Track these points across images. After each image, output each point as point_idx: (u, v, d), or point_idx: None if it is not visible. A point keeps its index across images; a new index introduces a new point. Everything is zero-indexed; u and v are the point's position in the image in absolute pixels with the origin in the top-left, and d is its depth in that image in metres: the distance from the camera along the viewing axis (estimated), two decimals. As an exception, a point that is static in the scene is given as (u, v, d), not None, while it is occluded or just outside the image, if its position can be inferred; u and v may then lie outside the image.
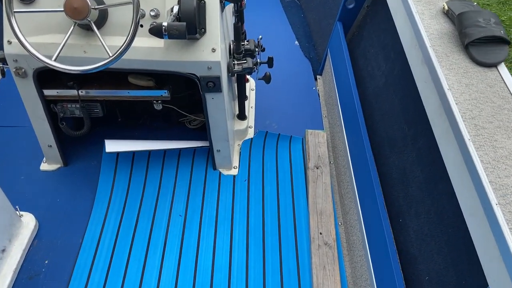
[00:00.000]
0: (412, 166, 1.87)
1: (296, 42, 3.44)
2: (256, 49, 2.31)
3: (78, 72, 1.69)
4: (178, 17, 1.74)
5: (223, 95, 2.05)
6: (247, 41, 2.25)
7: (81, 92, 2.04)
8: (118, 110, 2.46)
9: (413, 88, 1.84)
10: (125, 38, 1.61)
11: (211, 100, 2.07)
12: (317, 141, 2.55)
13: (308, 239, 2.13)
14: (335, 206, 2.29)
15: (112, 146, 2.19)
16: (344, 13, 2.75)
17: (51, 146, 2.29)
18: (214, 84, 1.98)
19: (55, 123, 2.20)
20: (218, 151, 2.33)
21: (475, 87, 1.55)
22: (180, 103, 2.34)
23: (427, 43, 1.67)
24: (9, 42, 1.85)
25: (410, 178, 1.88)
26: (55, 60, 1.66)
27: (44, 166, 2.40)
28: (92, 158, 2.43)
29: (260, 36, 2.41)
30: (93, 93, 2.06)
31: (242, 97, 2.51)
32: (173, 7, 1.76)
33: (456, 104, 1.49)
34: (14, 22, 1.61)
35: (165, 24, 1.61)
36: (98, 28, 1.84)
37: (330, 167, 2.47)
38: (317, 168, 2.40)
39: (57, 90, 2.04)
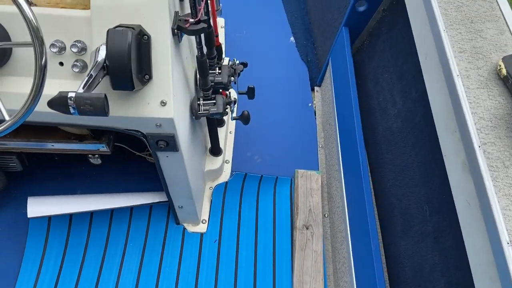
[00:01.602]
0: (434, 268, 1.37)
1: (292, 39, 2.80)
2: (232, 78, 1.73)
3: None
4: (105, 65, 1.16)
5: (182, 154, 1.50)
6: (219, 70, 1.66)
7: (-15, 143, 1.50)
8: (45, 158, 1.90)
9: (442, 162, 1.30)
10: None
11: (165, 158, 1.53)
12: (309, 186, 2.02)
13: None
14: (327, 286, 1.82)
15: (36, 208, 1.66)
16: (352, 17, 2.12)
17: None
18: (167, 144, 1.43)
19: None
20: (181, 207, 1.82)
21: None
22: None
23: (475, 141, 1.09)
24: None
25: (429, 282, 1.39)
26: None
27: (-39, 215, 1.89)
28: (23, 205, 1.92)
29: (237, 61, 1.82)
30: (3, 144, 1.51)
31: (214, 130, 1.95)
32: (99, 48, 1.18)
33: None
34: None
35: (71, 94, 1.03)
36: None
37: (324, 223, 1.96)
38: (307, 229, 1.90)
39: None
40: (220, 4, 2.70)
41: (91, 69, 1.15)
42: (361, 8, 2.06)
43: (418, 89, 1.61)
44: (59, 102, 1.03)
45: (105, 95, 1.04)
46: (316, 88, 2.56)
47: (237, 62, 1.81)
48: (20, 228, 1.83)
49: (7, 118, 1.11)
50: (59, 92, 1.05)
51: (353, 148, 1.87)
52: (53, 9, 1.26)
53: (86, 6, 1.32)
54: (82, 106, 1.02)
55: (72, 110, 1.03)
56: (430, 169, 1.43)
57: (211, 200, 1.99)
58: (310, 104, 2.46)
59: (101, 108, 1.03)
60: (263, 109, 2.41)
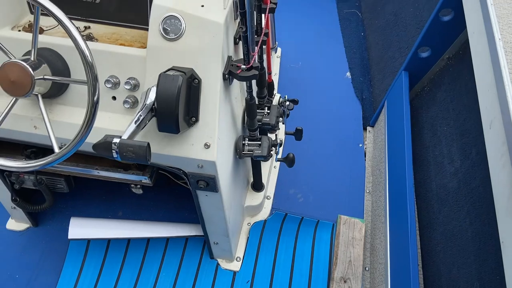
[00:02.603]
0: None
1: (348, 74, 2.73)
2: (280, 118, 1.69)
3: (9, 169, 1.19)
4: (154, 107, 1.16)
5: (221, 194, 1.48)
6: (267, 109, 1.63)
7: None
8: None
9: (499, 243, 1.17)
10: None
11: (204, 197, 1.51)
12: (352, 235, 1.93)
13: None
14: None
15: (77, 231, 1.70)
16: (414, 61, 2.02)
17: (14, 207, 1.85)
18: (207, 184, 1.41)
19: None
20: (216, 243, 1.79)
21: None
22: None
23: None
24: None
25: None
26: None
27: (11, 225, 1.98)
28: (67, 219, 1.97)
29: (286, 96, 1.79)
30: (54, 166, 1.56)
31: (258, 166, 1.92)
32: (149, 91, 1.18)
33: None
34: None
35: (116, 140, 1.04)
36: (56, 95, 1.32)
37: (364, 278, 1.86)
38: (345, 282, 1.80)
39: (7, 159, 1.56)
40: (276, 42, 2.69)
41: (139, 111, 1.15)
42: (424, 54, 1.96)
43: (479, 151, 1.49)
44: (104, 146, 1.04)
45: (148, 144, 1.04)
46: (368, 128, 2.47)
47: (288, 102, 1.77)
48: (61, 246, 1.88)
49: (56, 150, 1.13)
50: (105, 136, 1.06)
51: (402, 201, 1.76)
52: (112, 46, 1.29)
53: (144, 45, 1.35)
54: (125, 153, 1.03)
55: (115, 155, 1.04)
56: (485, 244, 1.31)
57: (248, 237, 1.95)
58: (360, 145, 2.37)
59: (143, 156, 1.02)
60: (311, 144, 2.35)
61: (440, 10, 1.76)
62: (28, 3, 1.40)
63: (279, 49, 2.81)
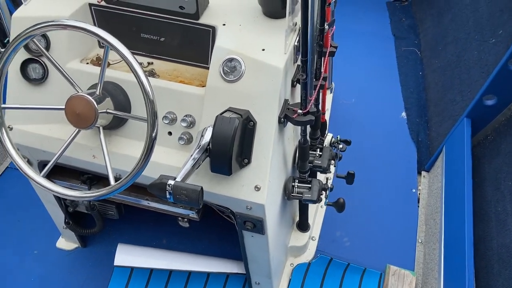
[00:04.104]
0: None
1: (404, 114, 2.64)
2: (332, 161, 1.65)
3: (66, 197, 1.23)
4: (208, 148, 1.17)
5: (267, 237, 1.44)
6: (319, 151, 1.59)
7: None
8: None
9: None
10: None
11: (250, 237, 1.49)
12: (400, 288, 1.82)
13: None
14: None
15: (123, 258, 1.72)
16: (477, 109, 1.92)
17: (66, 227, 1.91)
18: (254, 225, 1.38)
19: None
20: (257, 283, 1.75)
21: None
22: None
23: None
24: (10, 128, 1.45)
25: None
26: (44, 175, 1.21)
27: (61, 243, 2.04)
28: (114, 243, 2.01)
29: (338, 137, 1.74)
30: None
31: (305, 206, 1.87)
32: (204, 131, 1.19)
33: None
34: (5, 134, 1.20)
35: (171, 182, 1.05)
36: (116, 127, 1.36)
37: (411, 336, 1.74)
38: None
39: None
40: (333, 83, 2.65)
41: (194, 151, 1.16)
42: (489, 102, 1.86)
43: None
44: (159, 187, 1.05)
45: (201, 188, 1.03)
46: (423, 173, 2.35)
47: (341, 145, 1.73)
48: (106, 270, 1.92)
49: (112, 182, 1.16)
50: (160, 176, 1.07)
51: (459, 257, 1.64)
52: (173, 83, 1.32)
53: (202, 83, 1.37)
54: (178, 195, 1.03)
55: (168, 196, 1.04)
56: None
57: (290, 279, 1.89)
58: (414, 190, 2.26)
59: (195, 200, 1.02)
60: (360, 185, 2.26)
61: (509, 59, 1.67)
62: (98, 38, 1.47)
63: (332, 83, 2.78)
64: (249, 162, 1.26)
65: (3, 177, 2.37)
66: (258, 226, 1.37)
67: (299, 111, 1.24)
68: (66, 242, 2.04)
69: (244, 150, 1.24)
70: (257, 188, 1.27)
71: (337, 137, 1.85)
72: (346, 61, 2.97)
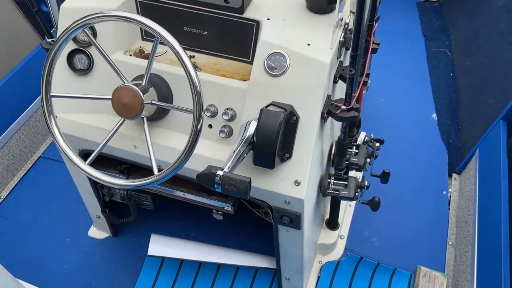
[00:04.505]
0: None
1: (434, 116, 2.61)
2: (368, 159, 1.64)
3: (109, 185, 1.25)
4: (252, 141, 1.17)
5: (303, 232, 1.45)
6: (355, 149, 1.59)
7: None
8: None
9: None
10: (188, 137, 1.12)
11: (285, 232, 1.49)
12: (431, 290, 1.80)
13: None
14: None
15: (156, 248, 1.75)
16: (514, 112, 1.89)
17: (99, 217, 1.95)
18: (291, 220, 1.39)
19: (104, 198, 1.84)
20: (287, 279, 1.75)
21: None
22: None
23: None
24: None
25: None
26: (90, 163, 1.23)
27: (93, 232, 2.08)
28: (144, 233, 2.04)
29: (372, 135, 1.73)
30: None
31: (337, 204, 1.86)
32: (248, 124, 1.20)
33: None
34: (54, 123, 1.22)
35: (220, 172, 1.06)
36: (158, 119, 1.38)
37: (442, 338, 1.72)
38: None
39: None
40: (369, 80, 2.63)
41: (239, 144, 1.17)
42: (528, 105, 1.82)
43: None
44: (207, 177, 1.06)
45: (250, 179, 1.04)
46: (454, 175, 2.32)
47: (377, 144, 1.72)
48: (137, 259, 1.94)
49: (155, 172, 1.17)
50: (208, 166, 1.08)
51: (494, 260, 1.62)
52: (215, 76, 1.33)
53: (244, 77, 1.37)
54: (227, 186, 1.04)
55: (216, 186, 1.05)
56: None
57: (319, 276, 1.89)
58: (444, 192, 2.23)
59: (244, 191, 1.03)
60: (390, 186, 2.24)
61: None
62: (141, 30, 1.49)
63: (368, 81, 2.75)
64: (290, 156, 1.26)
65: (36, 166, 2.42)
66: (295, 221, 1.38)
67: (343, 107, 1.24)
68: (98, 231, 2.07)
69: (286, 145, 1.24)
70: (297, 183, 1.27)
71: (371, 136, 1.84)
72: (376, 61, 2.94)
